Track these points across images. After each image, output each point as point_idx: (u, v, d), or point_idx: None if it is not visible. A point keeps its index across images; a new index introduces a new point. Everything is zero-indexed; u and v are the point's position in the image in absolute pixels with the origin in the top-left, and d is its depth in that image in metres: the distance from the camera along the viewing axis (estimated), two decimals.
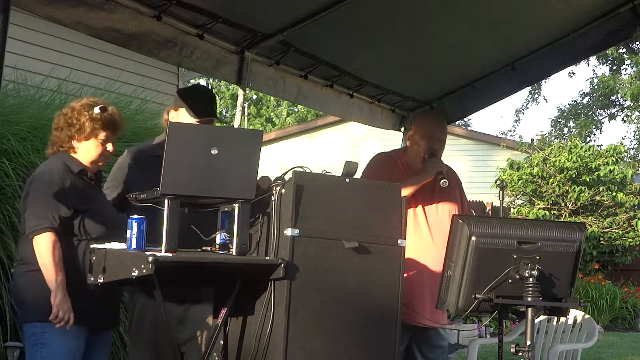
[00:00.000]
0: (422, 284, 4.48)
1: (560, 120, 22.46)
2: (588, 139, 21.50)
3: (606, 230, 14.45)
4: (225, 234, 3.44)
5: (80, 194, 3.70)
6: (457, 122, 12.58)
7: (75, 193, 3.67)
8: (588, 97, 22.09)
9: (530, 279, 3.44)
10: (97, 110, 3.73)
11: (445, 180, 4.44)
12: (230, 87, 28.44)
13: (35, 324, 3.65)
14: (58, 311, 3.53)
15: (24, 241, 3.72)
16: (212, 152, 3.25)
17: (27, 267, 3.68)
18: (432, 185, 4.50)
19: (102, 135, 3.75)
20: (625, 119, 22.31)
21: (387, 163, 4.65)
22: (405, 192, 4.13)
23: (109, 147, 3.79)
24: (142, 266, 3.12)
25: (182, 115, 4.03)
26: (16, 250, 4.56)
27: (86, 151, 3.76)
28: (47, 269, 3.56)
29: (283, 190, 3.52)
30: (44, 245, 3.57)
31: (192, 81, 11.69)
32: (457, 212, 4.67)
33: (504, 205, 4.92)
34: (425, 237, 4.53)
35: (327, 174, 3.80)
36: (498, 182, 12.75)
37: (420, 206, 4.55)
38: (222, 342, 3.72)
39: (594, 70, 52.09)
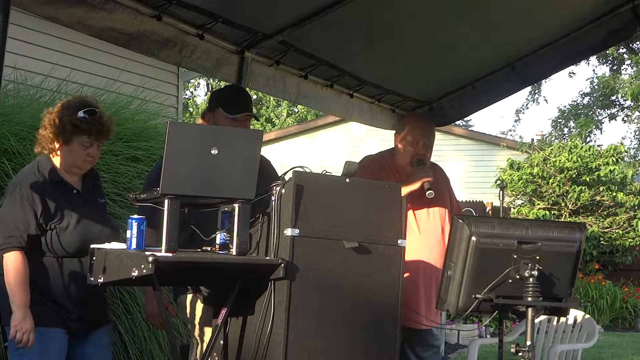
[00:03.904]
0: (417, 286, 4.50)
1: (560, 120, 22.42)
2: (588, 139, 21.47)
3: (606, 230, 14.44)
4: (225, 234, 3.44)
5: (54, 210, 3.56)
6: (457, 122, 12.57)
7: (47, 209, 3.54)
8: (588, 97, 22.04)
9: (530, 279, 3.44)
10: (80, 113, 3.58)
11: (432, 191, 4.54)
12: None
13: None
14: (15, 332, 3.44)
15: None
16: (212, 152, 3.25)
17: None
18: (420, 191, 4.54)
19: (83, 139, 3.60)
20: (625, 119, 22.28)
21: (375, 167, 4.68)
22: None
23: (92, 151, 3.65)
24: (142, 266, 3.12)
25: (219, 116, 4.05)
26: None
27: (66, 155, 3.62)
28: (11, 289, 3.48)
29: (283, 190, 3.52)
30: (9, 264, 3.48)
31: (192, 81, 11.70)
32: (447, 212, 4.74)
33: (504, 205, 4.93)
34: (417, 238, 4.54)
35: (327, 174, 3.80)
36: (498, 182, 12.77)
37: (410, 210, 4.57)
38: (222, 342, 3.72)
39: (594, 70, 52.09)
